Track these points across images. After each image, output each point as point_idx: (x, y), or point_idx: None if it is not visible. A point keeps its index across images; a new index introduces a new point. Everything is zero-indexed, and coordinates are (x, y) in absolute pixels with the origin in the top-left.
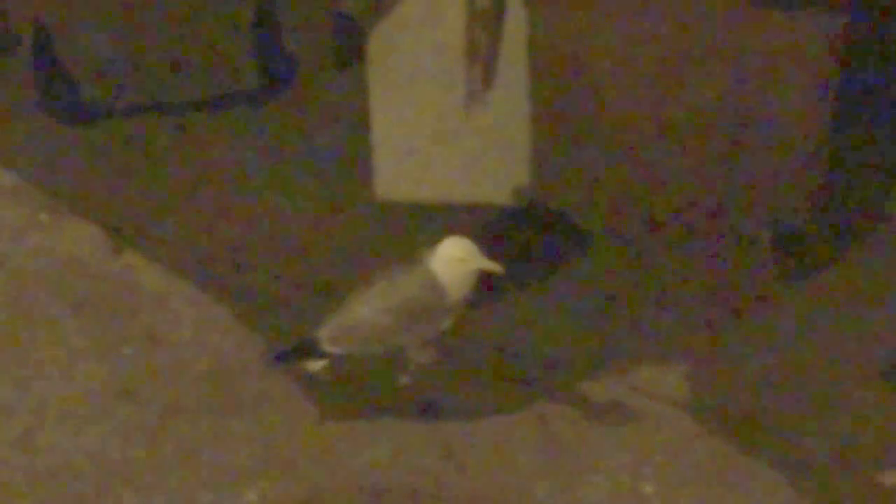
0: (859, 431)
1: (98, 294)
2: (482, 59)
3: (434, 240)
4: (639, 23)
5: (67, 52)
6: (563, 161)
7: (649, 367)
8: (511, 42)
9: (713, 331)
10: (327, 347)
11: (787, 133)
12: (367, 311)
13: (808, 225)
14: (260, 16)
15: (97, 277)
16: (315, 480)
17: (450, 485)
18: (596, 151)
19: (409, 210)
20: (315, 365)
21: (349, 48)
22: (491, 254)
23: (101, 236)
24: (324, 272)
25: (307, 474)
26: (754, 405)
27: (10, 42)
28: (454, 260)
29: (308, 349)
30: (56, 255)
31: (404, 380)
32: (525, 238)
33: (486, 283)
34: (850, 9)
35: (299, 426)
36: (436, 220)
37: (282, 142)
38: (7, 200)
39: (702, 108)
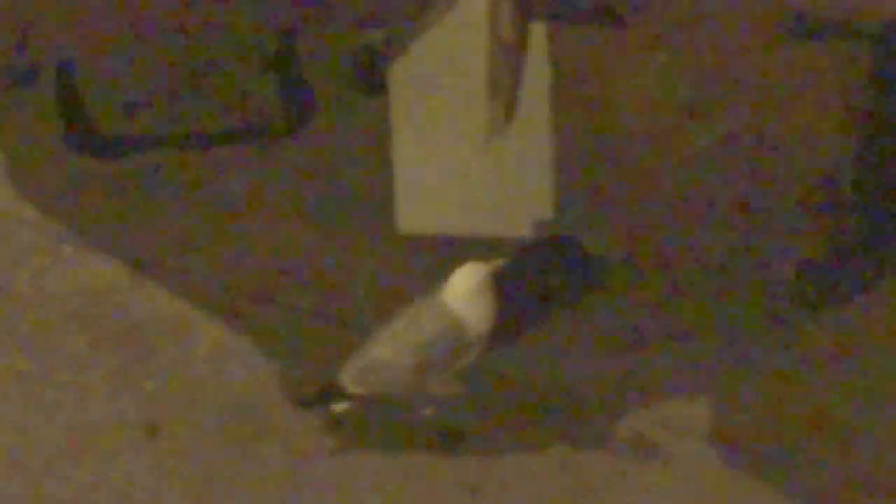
0: (881, 464)
1: (120, 327)
2: (504, 92)
3: (447, 271)
4: (661, 56)
5: (90, 84)
6: (584, 195)
7: (674, 402)
8: (534, 75)
9: (738, 365)
10: (351, 389)
11: (810, 165)
12: (388, 351)
13: (831, 256)
14: (281, 48)
15: (119, 310)
16: None
17: None
18: (617, 185)
19: (432, 243)
20: (339, 407)
21: (372, 80)
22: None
23: (124, 269)
24: (346, 305)
25: (328, 500)
26: (780, 440)
27: (29, 74)
28: (469, 291)
29: (332, 392)
30: (78, 288)
31: (428, 412)
32: (549, 272)
33: (511, 316)
34: (869, 41)
35: (322, 460)
36: (458, 254)
37: (304, 175)
38: (30, 232)
39: (721, 140)
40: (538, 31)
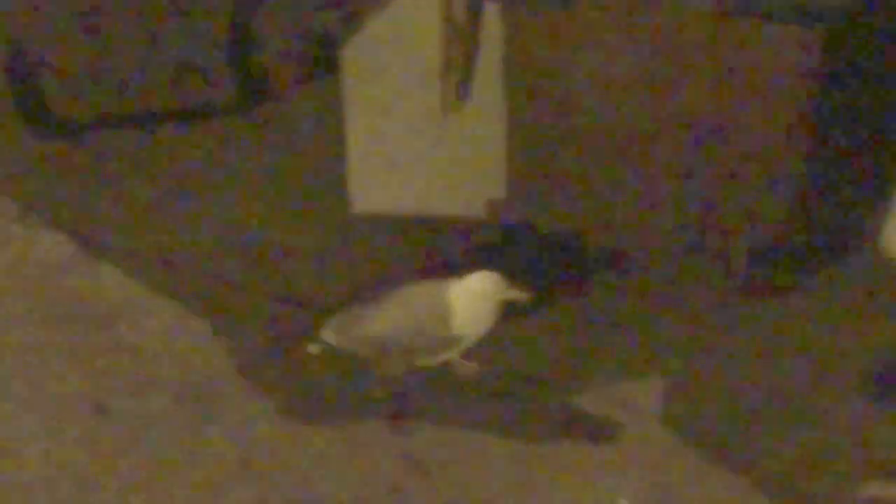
0: (834, 445)
1: (70, 306)
2: (457, 72)
3: (463, 271)
4: (615, 35)
5: (40, 65)
6: (538, 174)
7: (626, 384)
8: (487, 55)
9: (690, 348)
10: (327, 337)
11: (763, 145)
12: (377, 322)
13: (785, 239)
14: (235, 29)
15: (70, 289)
16: (288, 491)
17: (419, 498)
18: (571, 164)
19: (384, 222)
20: (313, 348)
21: (324, 61)
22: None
23: (74, 248)
24: (296, 284)
25: (281, 485)
26: (730, 420)
27: None
28: (476, 295)
29: (309, 335)
30: (29, 267)
31: (378, 393)
32: (502, 253)
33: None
34: (828, 20)
35: (273, 438)
36: (411, 233)
37: (255, 154)
38: None
39: (678, 120)
40: (490, 12)
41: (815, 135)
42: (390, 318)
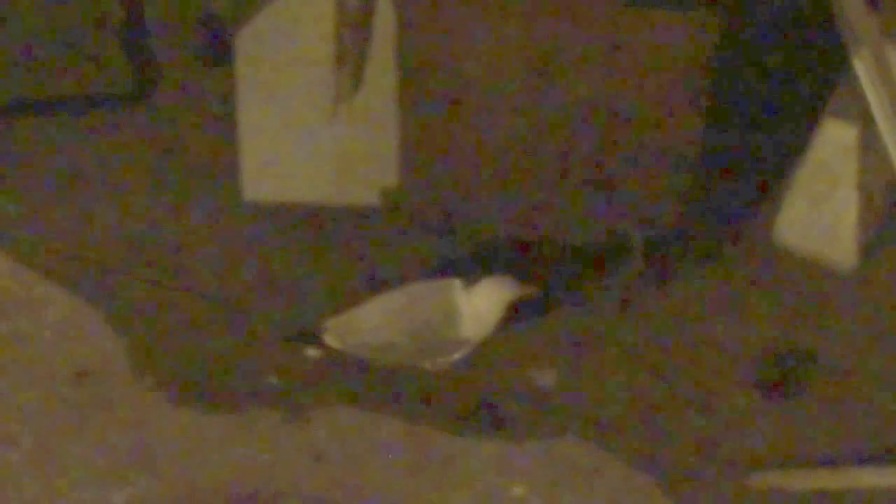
0: (727, 434)
1: None
2: (351, 60)
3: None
4: (509, 22)
5: None
6: (432, 162)
7: (518, 372)
8: (381, 43)
9: (582, 336)
10: (328, 341)
11: (658, 134)
12: (378, 320)
13: (680, 228)
14: (128, 15)
15: None
16: (183, 482)
17: (317, 487)
18: (465, 153)
19: (279, 211)
20: (312, 352)
21: (217, 48)
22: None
23: None
24: (194, 274)
25: (175, 476)
26: (622, 408)
27: None
28: (486, 296)
29: (309, 337)
30: None
31: (272, 380)
32: (391, 240)
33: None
34: (724, 10)
35: (167, 428)
36: (305, 221)
37: (149, 143)
38: None
39: (572, 108)
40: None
41: (712, 122)
42: (395, 319)
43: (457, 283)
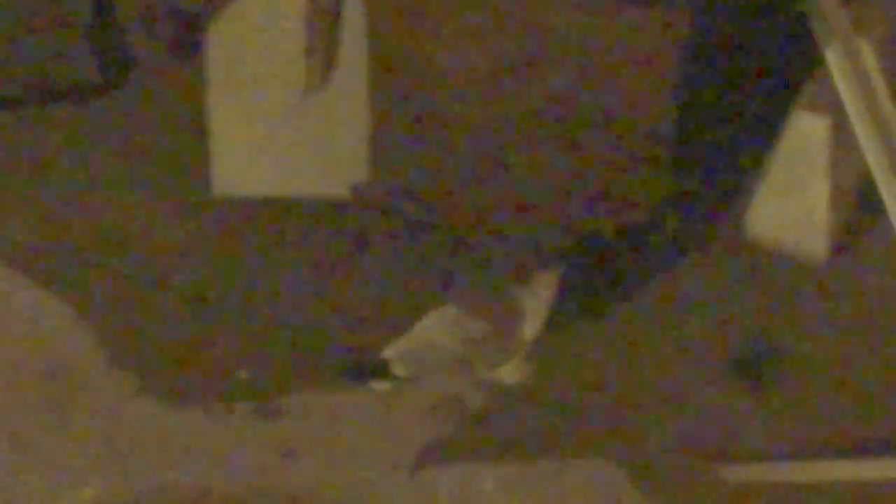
0: (702, 428)
1: None
2: (320, 50)
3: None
4: (479, 14)
5: None
6: (401, 156)
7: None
8: (350, 35)
9: (553, 329)
10: (395, 370)
11: (629, 129)
12: (441, 335)
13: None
14: (96, 8)
15: None
16: (153, 477)
17: (287, 482)
18: (434, 146)
19: (249, 204)
20: (379, 385)
21: (186, 41)
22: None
23: None
24: (163, 268)
25: (145, 471)
26: (593, 402)
27: None
28: (544, 297)
29: (377, 370)
30: None
31: (243, 375)
32: (362, 231)
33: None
34: (695, 3)
35: (137, 423)
36: (275, 216)
37: (119, 136)
38: None
39: (543, 101)
40: None
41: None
42: (452, 332)
43: (510, 283)
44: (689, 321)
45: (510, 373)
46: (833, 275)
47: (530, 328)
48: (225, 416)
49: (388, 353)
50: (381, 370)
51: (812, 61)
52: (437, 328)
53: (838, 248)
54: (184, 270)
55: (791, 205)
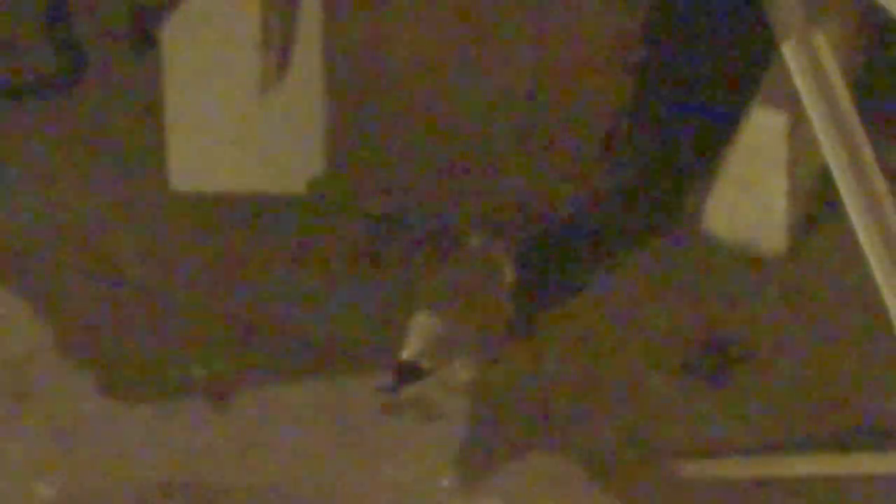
0: (659, 423)
1: None
2: (276, 44)
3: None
4: (436, 7)
5: None
6: (358, 150)
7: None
8: (306, 27)
9: (510, 327)
10: (423, 365)
11: (585, 120)
12: (438, 323)
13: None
14: (53, 3)
15: None
16: (110, 474)
17: (245, 478)
18: (391, 138)
19: (206, 200)
20: (410, 389)
21: (143, 36)
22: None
23: None
24: (119, 264)
25: (102, 468)
26: (548, 396)
27: None
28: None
29: (409, 373)
30: None
31: (198, 371)
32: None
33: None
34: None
35: (93, 419)
36: (232, 211)
37: (75, 132)
38: None
39: (500, 93)
40: None
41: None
42: (447, 310)
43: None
44: (645, 316)
45: (464, 368)
46: (791, 269)
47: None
48: (181, 411)
49: (406, 353)
50: (412, 373)
51: (769, 55)
52: (441, 311)
53: (796, 243)
54: (140, 266)
55: (749, 200)
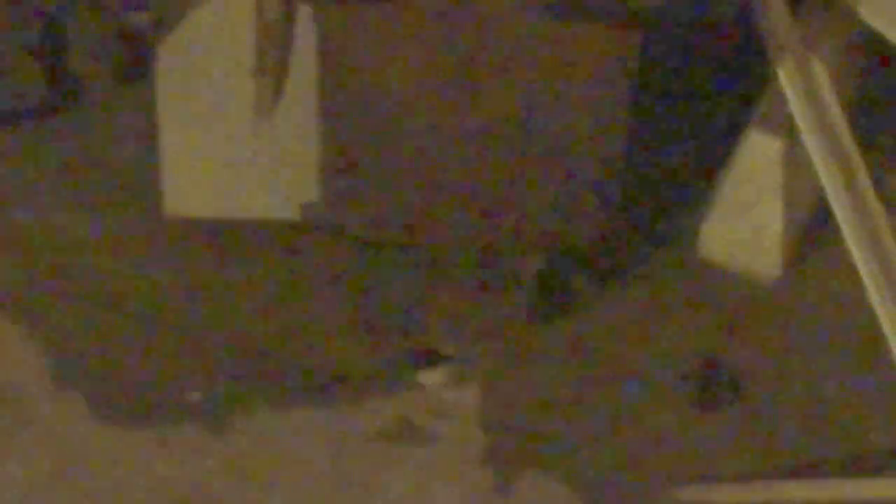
0: (654, 448)
1: None
2: (271, 72)
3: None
4: (430, 34)
5: None
6: (351, 176)
7: (442, 391)
8: (300, 54)
9: (503, 350)
10: (444, 349)
11: (579, 147)
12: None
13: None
14: (46, 30)
15: None
16: (101, 498)
17: (239, 502)
18: (385, 165)
19: (200, 225)
20: (439, 376)
21: (136, 62)
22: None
23: None
24: (114, 290)
25: (97, 494)
26: (545, 420)
27: None
28: None
29: (433, 357)
30: None
31: (193, 396)
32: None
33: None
34: (645, 22)
35: (89, 446)
36: (225, 236)
37: (69, 158)
38: None
39: (493, 121)
40: (304, 9)
41: (634, 135)
42: None
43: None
44: (642, 340)
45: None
46: (785, 293)
47: None
48: (177, 437)
49: (433, 376)
50: (436, 356)
51: (765, 79)
52: None
53: (791, 267)
54: (133, 291)
55: (744, 223)
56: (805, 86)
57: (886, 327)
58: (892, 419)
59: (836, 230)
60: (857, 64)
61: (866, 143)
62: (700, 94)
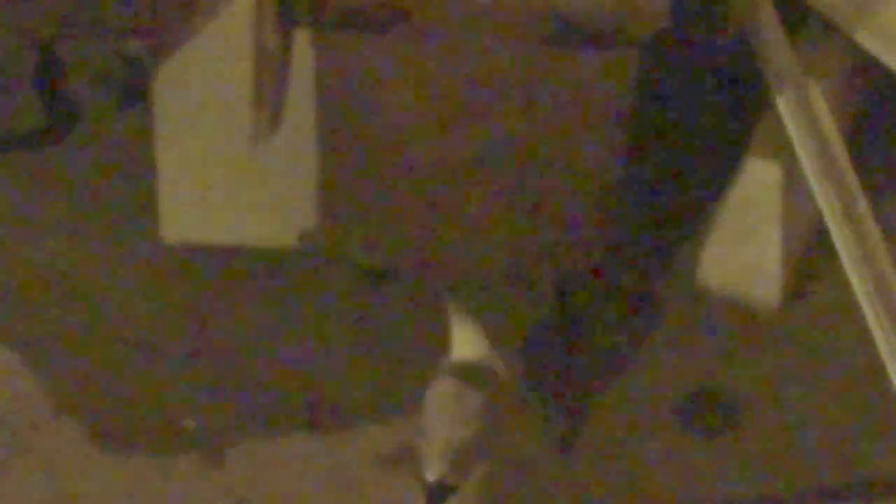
0: (652, 476)
1: None
2: (269, 99)
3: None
4: (427, 61)
5: None
6: (350, 203)
7: None
8: (298, 83)
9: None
10: (455, 482)
11: (577, 175)
12: (462, 429)
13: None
14: (43, 55)
15: None
16: None
17: None
18: (384, 193)
19: (198, 253)
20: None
21: (134, 89)
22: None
23: None
24: (111, 316)
25: None
26: (545, 448)
27: None
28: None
29: (444, 495)
30: None
31: (191, 424)
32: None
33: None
34: (642, 49)
35: (85, 473)
36: (224, 263)
37: (67, 184)
38: None
39: (490, 148)
40: (301, 38)
41: (631, 163)
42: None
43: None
44: (641, 368)
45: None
46: (785, 322)
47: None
48: (173, 464)
49: (432, 474)
50: (447, 492)
51: (763, 106)
52: (454, 425)
53: (790, 295)
54: (131, 318)
55: (744, 250)
56: (804, 112)
57: (885, 354)
58: (892, 447)
59: (835, 257)
60: (855, 90)
61: (865, 170)
62: (699, 120)
